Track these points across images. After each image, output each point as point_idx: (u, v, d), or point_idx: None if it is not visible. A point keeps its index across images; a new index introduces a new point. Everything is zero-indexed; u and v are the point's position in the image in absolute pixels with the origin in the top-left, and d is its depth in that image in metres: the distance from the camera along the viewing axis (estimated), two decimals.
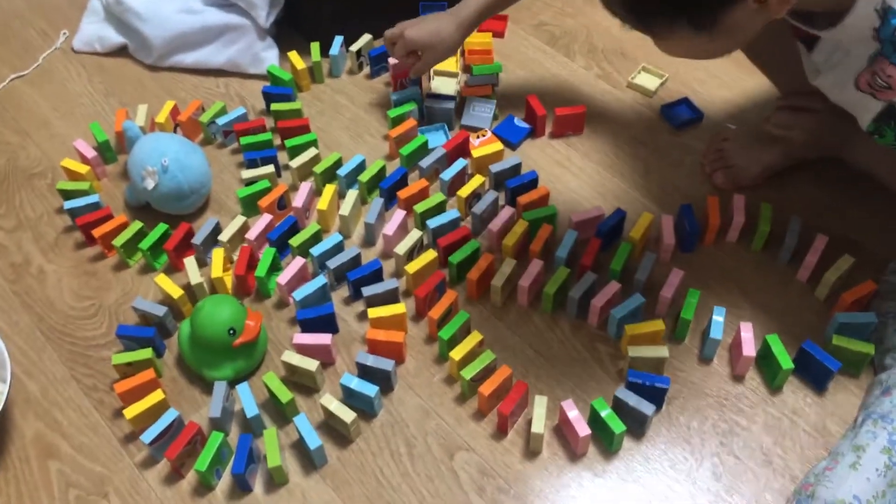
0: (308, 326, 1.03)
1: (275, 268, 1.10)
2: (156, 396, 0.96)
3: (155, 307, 1.04)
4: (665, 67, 1.35)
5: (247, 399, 0.95)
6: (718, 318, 1.00)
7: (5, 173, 1.27)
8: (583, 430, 0.91)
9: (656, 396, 0.95)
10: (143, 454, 0.97)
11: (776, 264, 1.10)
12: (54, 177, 1.26)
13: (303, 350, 1.00)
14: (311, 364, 0.97)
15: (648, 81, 1.33)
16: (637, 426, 0.95)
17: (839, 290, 1.02)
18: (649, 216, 1.11)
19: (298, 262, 1.07)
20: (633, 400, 0.93)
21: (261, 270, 1.07)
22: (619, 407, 0.94)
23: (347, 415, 0.94)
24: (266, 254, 1.08)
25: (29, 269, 1.15)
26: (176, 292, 1.05)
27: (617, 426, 0.91)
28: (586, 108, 1.25)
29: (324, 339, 1.00)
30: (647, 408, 0.92)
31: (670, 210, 1.16)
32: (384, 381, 0.99)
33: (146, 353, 0.99)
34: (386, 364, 0.97)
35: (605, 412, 0.92)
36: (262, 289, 1.09)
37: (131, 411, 0.95)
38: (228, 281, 1.09)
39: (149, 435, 0.93)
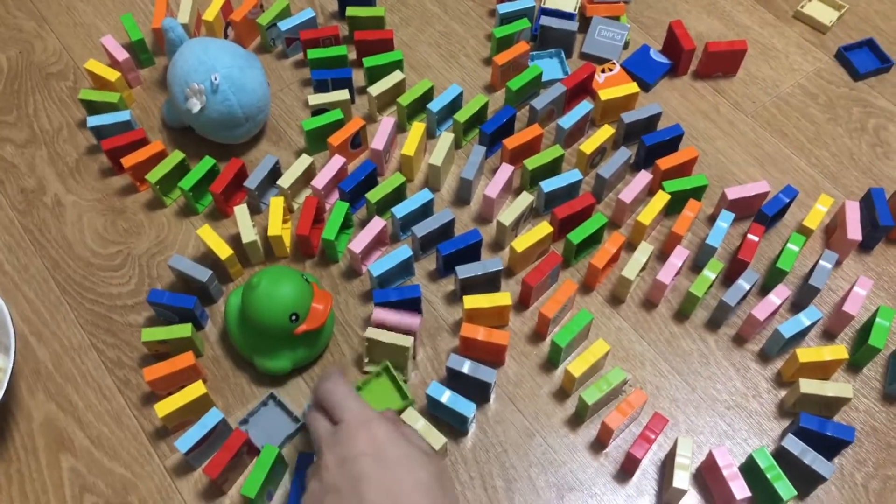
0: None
1: (346, 225, 0.88)
2: (195, 390, 0.76)
3: (197, 269, 0.82)
4: None
5: None
6: None
7: (17, 69, 1.03)
8: (741, 491, 0.70)
9: (831, 449, 0.74)
10: (176, 456, 0.78)
11: None
12: (76, 79, 1.02)
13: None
14: (404, 340, 0.76)
15: (822, 12, 1.05)
16: (804, 486, 0.74)
17: None
18: (829, 200, 0.87)
19: (377, 224, 0.85)
20: (808, 456, 0.71)
21: (329, 232, 0.84)
22: (785, 459, 0.73)
23: (437, 439, 0.73)
24: (336, 210, 0.86)
25: (43, 198, 0.93)
26: (224, 251, 0.84)
27: (786, 490, 0.70)
28: (747, 45, 0.98)
29: (411, 321, 0.79)
30: (824, 468, 0.71)
31: (847, 189, 0.92)
32: (481, 393, 0.78)
33: (185, 330, 0.79)
34: (487, 374, 0.76)
35: (771, 472, 0.71)
36: (330, 252, 0.87)
37: (164, 407, 0.75)
38: (287, 238, 0.87)
39: (185, 443, 0.73)
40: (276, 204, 0.86)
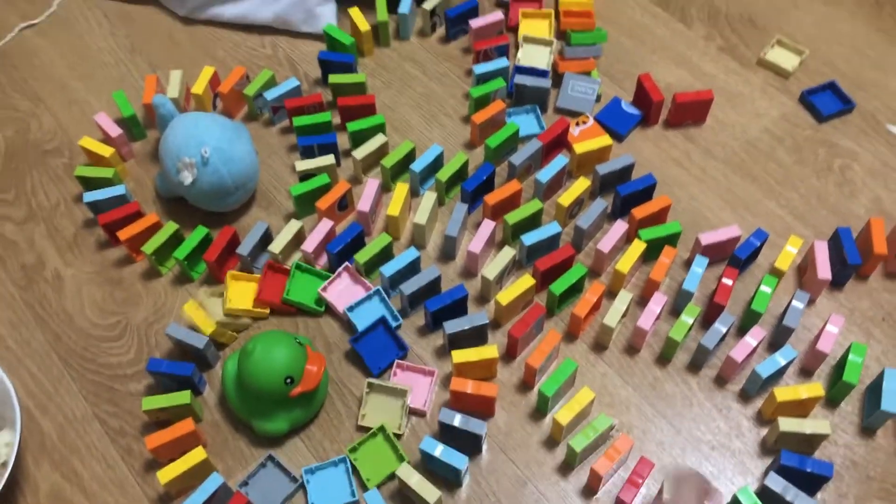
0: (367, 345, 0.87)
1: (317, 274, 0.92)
2: (196, 456, 0.78)
3: (192, 336, 0.85)
4: (804, 40, 1.11)
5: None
6: (892, 384, 0.80)
7: (14, 148, 1.07)
8: None
9: (812, 484, 0.76)
10: None
11: None
12: (72, 154, 1.06)
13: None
14: (431, 494, 0.76)
15: (784, 58, 1.10)
16: None
17: None
18: (798, 241, 0.90)
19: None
20: (789, 493, 0.74)
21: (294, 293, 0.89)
22: (768, 497, 0.75)
23: (431, 494, 0.76)
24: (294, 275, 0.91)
25: (43, 273, 0.96)
26: (208, 326, 0.87)
27: None
28: (713, 95, 1.02)
29: (425, 379, 0.84)
30: (806, 503, 0.74)
31: (816, 229, 0.95)
32: (473, 445, 0.81)
33: (184, 398, 0.81)
34: (477, 426, 0.79)
35: None
36: (307, 310, 0.91)
37: (166, 474, 0.77)
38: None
39: None
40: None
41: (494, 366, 0.85)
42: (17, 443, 0.78)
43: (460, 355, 0.83)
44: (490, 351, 0.83)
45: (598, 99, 1.07)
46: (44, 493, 0.82)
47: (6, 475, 0.76)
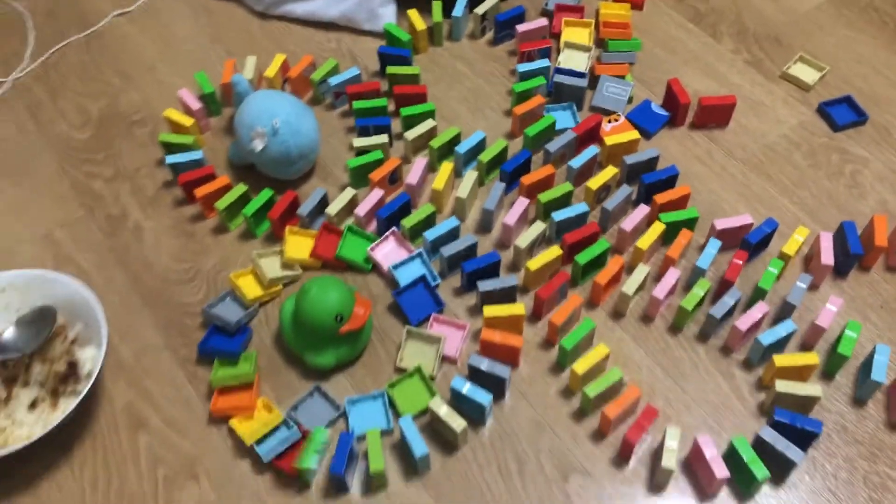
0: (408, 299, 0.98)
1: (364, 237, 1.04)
2: (271, 419, 0.89)
3: (227, 312, 0.97)
4: (825, 59, 1.20)
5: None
6: (882, 357, 0.88)
7: (105, 118, 1.21)
8: (721, 471, 0.81)
9: (803, 440, 0.84)
10: (236, 437, 0.91)
11: None
12: (155, 125, 1.19)
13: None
14: (458, 424, 0.86)
15: (805, 73, 1.19)
16: (779, 471, 0.84)
17: None
18: (805, 230, 0.99)
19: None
20: (780, 444, 0.82)
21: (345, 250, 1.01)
22: (761, 448, 0.84)
23: (457, 423, 0.86)
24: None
25: (126, 224, 1.09)
26: (253, 292, 0.99)
27: (760, 471, 0.81)
28: (736, 100, 1.12)
29: (458, 332, 0.95)
30: (794, 454, 0.82)
31: (825, 225, 1.04)
32: (497, 388, 0.90)
33: (246, 372, 0.92)
34: (502, 371, 0.89)
35: (748, 455, 0.82)
36: (356, 266, 1.02)
37: (243, 429, 0.90)
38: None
39: (267, 452, 0.87)
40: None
41: (521, 322, 0.94)
42: (102, 357, 0.89)
43: (491, 310, 0.93)
44: (518, 308, 0.93)
45: (630, 100, 1.17)
46: (119, 406, 0.93)
47: (91, 382, 0.88)
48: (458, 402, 0.90)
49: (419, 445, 0.85)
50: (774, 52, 1.23)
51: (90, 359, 0.92)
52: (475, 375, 0.90)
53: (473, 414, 0.90)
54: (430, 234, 1.00)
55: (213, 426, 0.92)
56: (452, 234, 1.01)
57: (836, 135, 1.13)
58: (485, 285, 0.95)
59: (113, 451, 0.90)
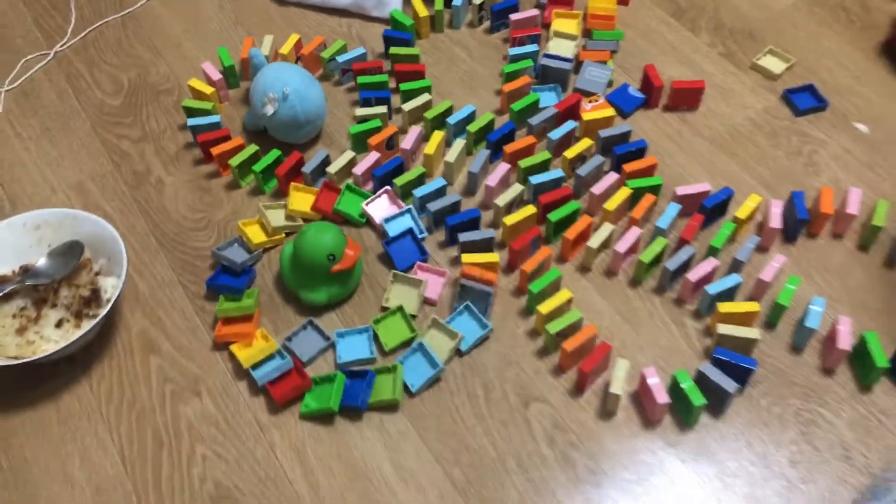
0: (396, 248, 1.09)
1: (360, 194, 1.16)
2: (268, 347, 1.00)
3: (234, 255, 1.08)
4: (794, 52, 1.30)
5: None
6: (816, 307, 0.98)
7: (136, 86, 1.34)
8: (661, 397, 0.91)
9: (741, 376, 0.94)
10: (236, 362, 1.02)
11: (885, 264, 1.06)
12: (180, 95, 1.32)
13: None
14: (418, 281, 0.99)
15: (774, 64, 1.29)
16: (717, 403, 0.94)
17: None
18: (757, 198, 1.09)
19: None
20: (716, 375, 0.92)
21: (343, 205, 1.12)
22: (702, 381, 0.93)
23: (453, 339, 0.98)
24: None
25: (149, 178, 1.21)
26: (258, 238, 1.10)
27: (697, 399, 0.91)
28: (705, 84, 1.23)
29: (438, 279, 1.06)
30: (729, 385, 0.92)
31: (780, 197, 1.14)
32: (484, 304, 1.01)
33: (248, 305, 1.03)
34: (486, 287, 1.00)
35: (687, 384, 0.92)
36: (352, 220, 1.14)
37: (242, 354, 1.01)
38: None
39: (261, 377, 0.98)
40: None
41: (496, 269, 1.05)
42: (121, 286, 1.01)
43: (468, 258, 1.04)
44: (493, 257, 1.04)
45: (611, 84, 1.28)
46: (135, 333, 1.05)
47: (109, 306, 0.99)
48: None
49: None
50: (747, 46, 1.33)
51: (111, 287, 1.04)
52: (463, 290, 1.02)
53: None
54: (419, 192, 1.11)
55: (216, 352, 1.03)
56: (439, 193, 1.13)
57: (798, 119, 1.23)
58: (465, 236, 1.06)
59: (127, 371, 1.02)
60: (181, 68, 1.36)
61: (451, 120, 1.20)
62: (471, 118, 1.21)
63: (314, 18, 1.43)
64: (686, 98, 1.24)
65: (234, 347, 1.02)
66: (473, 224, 1.09)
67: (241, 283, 1.06)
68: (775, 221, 1.06)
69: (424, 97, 1.23)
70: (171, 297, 1.08)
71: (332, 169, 1.16)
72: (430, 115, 1.21)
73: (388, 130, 1.19)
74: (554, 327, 0.98)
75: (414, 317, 1.04)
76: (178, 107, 1.30)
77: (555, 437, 0.94)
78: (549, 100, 1.26)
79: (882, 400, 0.95)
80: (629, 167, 1.12)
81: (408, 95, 1.24)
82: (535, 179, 1.12)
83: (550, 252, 1.05)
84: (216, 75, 1.28)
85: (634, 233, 1.06)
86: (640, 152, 1.15)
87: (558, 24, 1.34)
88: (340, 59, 1.30)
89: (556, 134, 1.17)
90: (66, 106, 1.31)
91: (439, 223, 1.12)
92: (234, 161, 1.16)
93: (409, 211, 1.12)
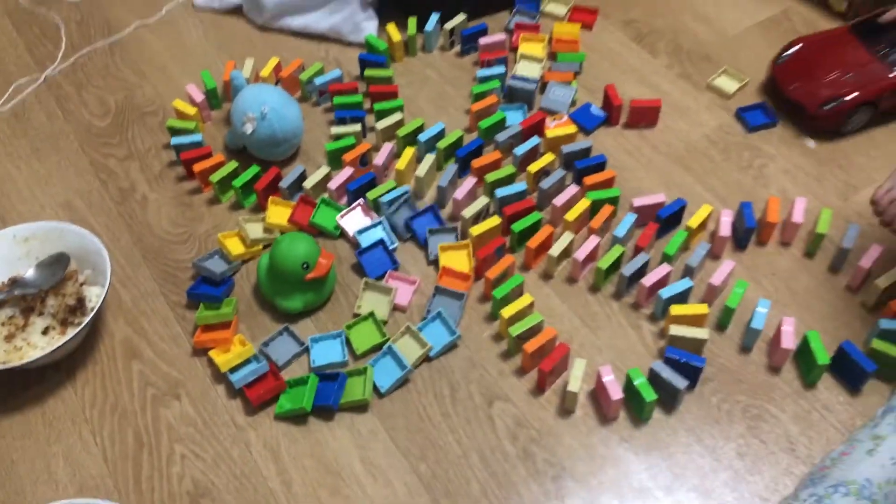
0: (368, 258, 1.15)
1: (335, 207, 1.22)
2: (244, 352, 1.05)
3: (214, 265, 1.14)
4: (747, 73, 1.38)
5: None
6: (762, 309, 1.04)
7: (122, 108, 1.40)
8: (616, 393, 0.97)
9: (691, 374, 1.00)
10: (214, 367, 1.07)
11: (829, 269, 1.12)
12: (164, 115, 1.38)
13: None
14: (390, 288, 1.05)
15: (727, 84, 1.37)
16: (669, 399, 0.99)
17: (888, 299, 1.04)
18: (708, 208, 1.15)
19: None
20: (666, 373, 0.98)
21: (319, 218, 1.18)
22: (654, 378, 0.99)
23: (422, 346, 1.05)
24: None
25: (134, 195, 1.27)
26: (237, 249, 1.16)
27: (648, 395, 0.96)
28: (661, 103, 1.30)
29: (409, 286, 1.12)
30: (679, 382, 0.97)
31: (732, 206, 1.20)
32: (458, 301, 1.08)
33: (227, 313, 1.08)
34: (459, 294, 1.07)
35: (639, 381, 0.98)
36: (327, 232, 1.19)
37: (220, 359, 1.06)
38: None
39: (238, 380, 1.03)
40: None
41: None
42: (104, 294, 1.06)
43: (444, 258, 1.11)
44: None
45: (574, 104, 1.35)
46: (118, 340, 1.10)
47: (93, 314, 1.04)
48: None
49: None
50: (703, 67, 1.41)
51: (96, 296, 1.09)
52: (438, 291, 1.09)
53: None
54: (384, 198, 1.18)
55: (195, 357, 1.08)
56: (403, 201, 1.19)
57: (750, 135, 1.30)
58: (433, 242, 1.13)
59: (110, 376, 1.07)
60: (166, 90, 1.42)
61: (423, 137, 1.26)
62: (441, 135, 1.28)
63: (294, 43, 1.50)
64: (644, 116, 1.31)
65: (212, 353, 1.07)
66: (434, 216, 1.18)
67: (220, 292, 1.12)
68: (725, 230, 1.12)
69: (396, 116, 1.30)
70: (153, 306, 1.14)
71: (308, 184, 1.22)
72: (402, 132, 1.27)
73: (362, 147, 1.25)
74: (516, 330, 1.03)
75: (385, 322, 1.09)
76: (162, 127, 1.36)
77: (517, 434, 0.99)
78: (515, 118, 1.33)
79: (824, 395, 1.01)
80: (589, 180, 1.19)
81: (381, 114, 1.31)
82: (501, 192, 1.18)
83: (513, 259, 1.11)
84: (199, 97, 1.35)
85: (593, 241, 1.12)
86: (599, 166, 1.22)
87: (525, 48, 1.41)
88: (318, 80, 1.36)
89: (520, 149, 1.24)
90: (56, 127, 1.37)
91: (409, 230, 1.18)
92: (215, 177, 1.22)
93: (380, 223, 1.18)
